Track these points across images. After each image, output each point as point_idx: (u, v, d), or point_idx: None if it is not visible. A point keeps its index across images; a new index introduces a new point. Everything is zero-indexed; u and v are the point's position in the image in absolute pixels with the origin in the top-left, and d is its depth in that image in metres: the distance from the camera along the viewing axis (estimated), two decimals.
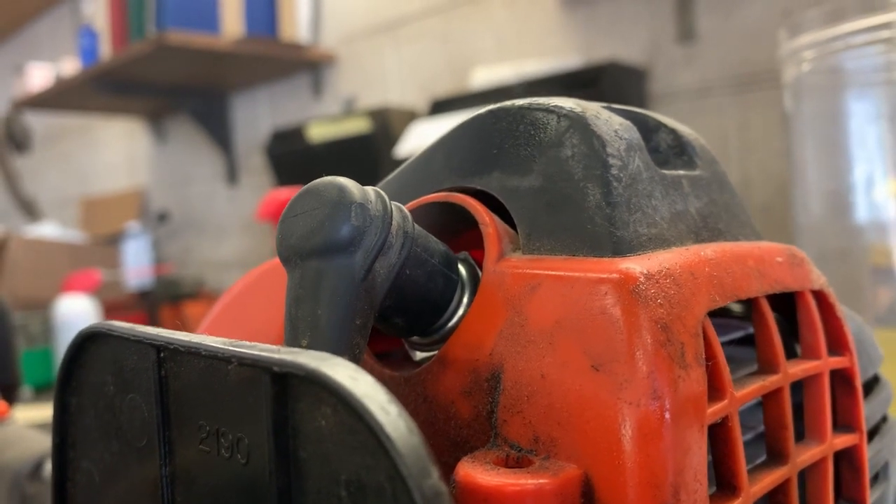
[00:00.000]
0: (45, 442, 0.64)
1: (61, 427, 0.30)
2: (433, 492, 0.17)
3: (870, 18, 0.61)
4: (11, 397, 0.96)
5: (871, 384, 0.38)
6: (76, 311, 1.91)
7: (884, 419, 0.39)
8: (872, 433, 0.37)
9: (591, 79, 1.32)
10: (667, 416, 0.21)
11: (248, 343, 0.22)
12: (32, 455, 0.62)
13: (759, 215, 1.23)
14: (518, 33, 1.67)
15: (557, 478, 0.21)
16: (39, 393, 1.97)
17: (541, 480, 0.21)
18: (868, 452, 0.34)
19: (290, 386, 0.20)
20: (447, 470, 0.22)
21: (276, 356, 0.20)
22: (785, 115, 0.78)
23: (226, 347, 0.21)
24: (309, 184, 0.25)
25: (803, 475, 0.28)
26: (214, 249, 2.43)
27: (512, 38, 1.68)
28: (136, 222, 2.49)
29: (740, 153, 1.28)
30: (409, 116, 1.69)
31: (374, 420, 0.17)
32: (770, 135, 1.24)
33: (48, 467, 0.62)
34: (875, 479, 0.36)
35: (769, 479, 0.25)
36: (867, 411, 0.34)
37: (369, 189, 0.25)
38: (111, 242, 2.42)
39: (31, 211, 2.88)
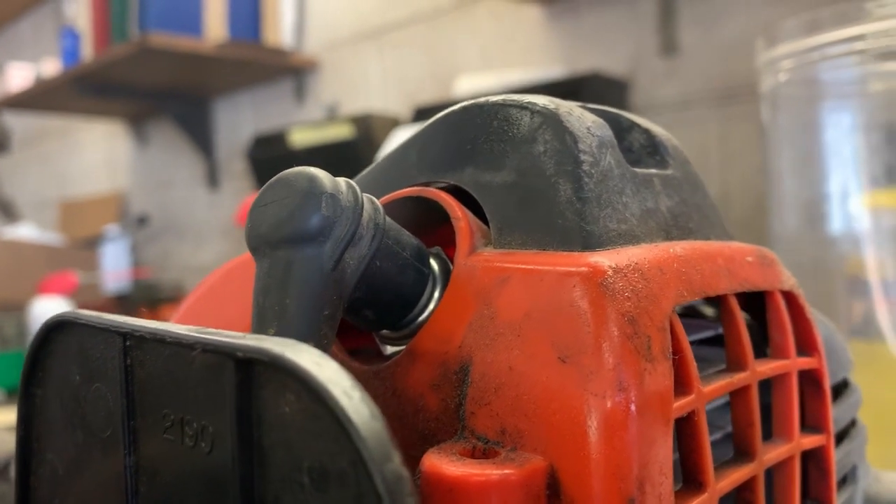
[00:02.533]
0: (13, 442, 0.63)
1: (26, 419, 0.29)
2: (394, 476, 0.17)
3: (845, 30, 0.62)
4: None
5: (841, 388, 0.38)
6: (53, 313, 1.89)
7: (853, 423, 0.39)
8: (842, 436, 0.37)
9: (573, 89, 1.33)
10: (632, 408, 0.21)
11: (213, 330, 0.21)
12: (1, 455, 0.61)
13: (738, 228, 1.24)
14: (502, 43, 1.68)
15: (523, 469, 0.21)
16: (12, 396, 1.94)
17: (506, 471, 0.21)
18: (837, 455, 0.34)
19: (255, 373, 0.20)
20: (415, 463, 0.22)
21: (241, 342, 0.20)
22: (761, 126, 0.79)
23: (190, 334, 0.21)
24: (280, 173, 0.25)
25: (771, 475, 0.28)
26: (194, 254, 2.41)
27: (496, 48, 1.69)
28: (115, 225, 2.47)
29: (721, 166, 1.29)
30: (392, 123, 1.69)
31: (337, 404, 0.17)
32: (750, 148, 1.25)
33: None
34: (843, 481, 0.36)
35: (735, 476, 0.25)
36: (836, 414, 0.35)
37: (340, 180, 0.25)
38: (89, 245, 2.40)
39: (8, 212, 2.85)
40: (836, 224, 0.73)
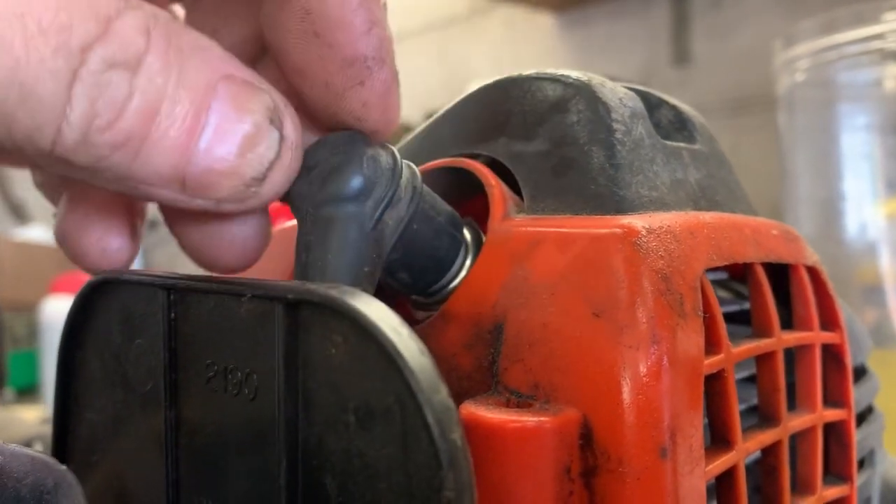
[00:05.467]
0: (33, 427, 0.64)
1: (64, 380, 0.30)
2: (443, 406, 0.17)
3: (862, 30, 0.62)
4: None
5: (859, 373, 0.39)
6: (63, 314, 1.89)
7: (870, 409, 0.40)
8: (860, 420, 0.38)
9: None
10: (665, 360, 0.22)
11: (258, 279, 0.22)
12: (21, 438, 0.62)
13: None
14: (515, 52, 1.69)
15: (557, 417, 0.21)
16: (22, 395, 1.95)
17: (541, 419, 0.21)
18: (858, 436, 0.35)
19: (302, 317, 0.20)
20: None
21: (290, 286, 0.20)
22: (777, 128, 0.79)
23: (238, 282, 0.22)
24: (322, 136, 0.25)
25: (793, 448, 0.29)
26: None
27: (508, 57, 1.70)
28: None
29: None
30: (404, 129, 1.71)
31: (387, 339, 0.18)
32: (762, 157, 1.25)
33: (37, 449, 0.62)
34: (861, 464, 0.37)
35: (761, 438, 0.25)
36: (855, 396, 0.35)
37: (380, 144, 0.26)
38: None
39: (20, 214, 2.88)
40: (851, 227, 0.73)
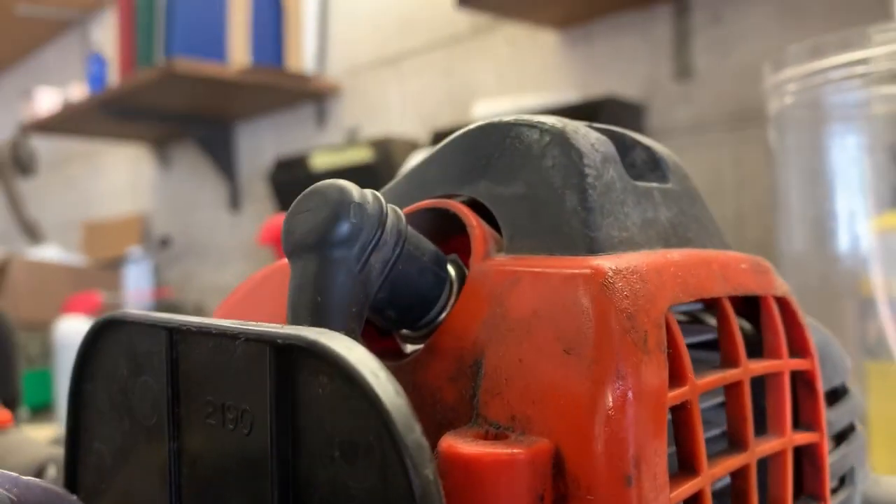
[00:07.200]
0: (46, 449, 0.66)
1: (75, 412, 0.32)
2: (416, 444, 0.19)
3: (848, 54, 0.64)
4: (12, 412, 0.97)
5: (840, 393, 0.40)
6: (76, 333, 1.92)
7: (852, 428, 0.41)
8: (840, 439, 0.39)
9: (589, 113, 1.35)
10: (629, 394, 0.23)
11: (253, 322, 0.24)
12: (34, 461, 0.64)
13: (753, 248, 1.25)
14: (518, 69, 1.71)
15: (530, 449, 0.23)
16: (37, 414, 1.97)
17: (515, 450, 0.23)
18: (835, 456, 0.36)
19: (292, 359, 0.22)
20: (433, 448, 0.25)
21: (280, 331, 0.22)
22: (768, 148, 0.81)
23: (234, 326, 0.24)
24: (314, 185, 0.27)
25: (766, 471, 0.30)
26: (215, 275, 2.45)
27: (512, 74, 1.72)
28: (138, 247, 2.51)
29: (735, 188, 1.31)
30: (411, 147, 1.73)
31: (366, 382, 0.20)
32: (763, 171, 1.26)
33: (51, 473, 0.64)
34: (842, 482, 0.38)
35: (728, 464, 0.27)
36: (833, 417, 0.37)
37: (367, 191, 0.27)
38: (113, 266, 2.44)
39: (33, 234, 2.91)
40: (843, 243, 0.74)
